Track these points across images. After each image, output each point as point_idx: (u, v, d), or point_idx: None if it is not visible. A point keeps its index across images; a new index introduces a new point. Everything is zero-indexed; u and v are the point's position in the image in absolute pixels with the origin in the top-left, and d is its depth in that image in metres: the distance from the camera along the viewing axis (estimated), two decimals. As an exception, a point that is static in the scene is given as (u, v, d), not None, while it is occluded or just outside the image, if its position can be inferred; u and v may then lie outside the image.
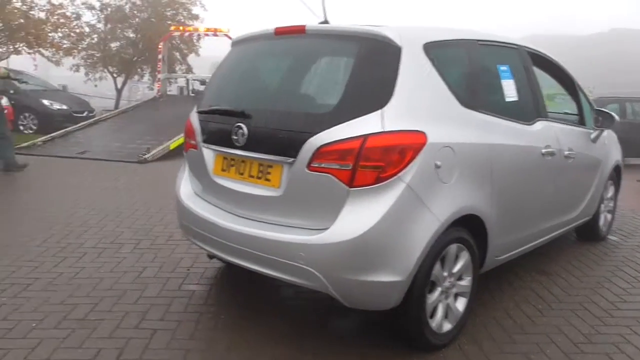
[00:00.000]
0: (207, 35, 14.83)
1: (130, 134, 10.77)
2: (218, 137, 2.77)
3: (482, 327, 2.89)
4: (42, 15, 14.96)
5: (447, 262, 2.56)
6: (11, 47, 14.61)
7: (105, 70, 20.02)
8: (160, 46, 14.87)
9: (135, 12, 19.24)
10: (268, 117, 2.52)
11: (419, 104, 2.40)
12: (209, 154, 2.86)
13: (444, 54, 2.60)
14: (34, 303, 2.98)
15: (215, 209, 2.80)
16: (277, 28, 2.74)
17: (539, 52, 3.56)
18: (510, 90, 3.06)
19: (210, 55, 20.44)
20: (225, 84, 3.04)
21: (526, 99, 3.21)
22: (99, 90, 20.33)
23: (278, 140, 2.45)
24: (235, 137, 2.60)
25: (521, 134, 3.08)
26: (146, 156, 9.15)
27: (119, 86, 20.60)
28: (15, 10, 13.80)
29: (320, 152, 2.28)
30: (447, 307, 2.63)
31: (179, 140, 10.51)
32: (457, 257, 2.62)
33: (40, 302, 2.99)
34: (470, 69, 2.79)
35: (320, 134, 2.29)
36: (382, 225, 2.22)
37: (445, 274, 2.57)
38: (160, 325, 2.78)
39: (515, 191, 3.00)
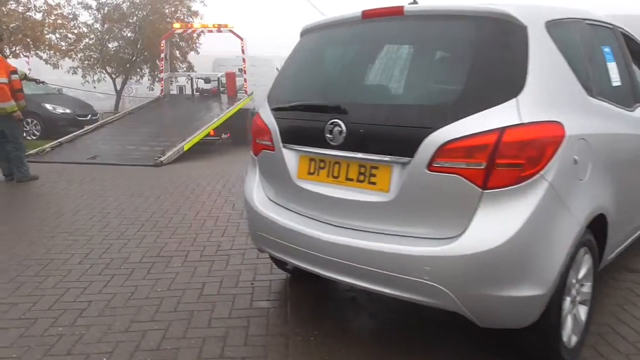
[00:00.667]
0: (211, 32, 14.37)
1: (142, 136, 10.38)
2: (304, 136, 2.44)
3: (600, 337, 2.59)
4: (39, 16, 14.46)
5: (575, 268, 2.26)
6: (7, 50, 14.09)
7: (104, 71, 19.49)
8: (162, 44, 14.41)
9: (133, 10, 18.69)
10: (372, 111, 2.19)
11: (550, 91, 2.08)
12: (290, 155, 2.53)
13: (563, 35, 2.28)
14: (96, 332, 2.64)
15: (301, 217, 2.48)
16: (365, 11, 2.40)
17: (628, 32, 3.25)
18: (614, 74, 2.76)
19: (209, 53, 20.00)
20: (305, 77, 2.69)
21: (626, 83, 2.91)
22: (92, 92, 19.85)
23: (387, 138, 2.13)
24: (329, 136, 2.27)
25: (628, 120, 2.78)
26: (162, 159, 8.78)
27: (118, 87, 20.10)
28: (12, 13, 13.31)
29: (445, 150, 1.96)
30: (573, 318, 2.32)
31: (193, 140, 10.18)
32: (581, 262, 2.32)
33: (104, 331, 2.65)
34: (584, 51, 2.48)
35: (444, 128, 1.96)
36: (524, 233, 1.90)
37: (574, 281, 2.27)
38: (246, 352, 2.45)
39: (629, 184, 2.70)
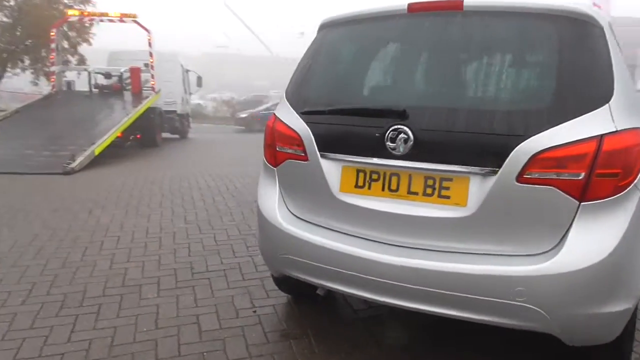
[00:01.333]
0: (112, 21, 13.02)
1: (41, 139, 9.10)
2: (351, 145, 2.13)
3: None
4: None
5: None
6: None
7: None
8: (52, 33, 12.78)
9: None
10: (447, 117, 1.93)
11: (630, 94, 2.00)
12: (330, 166, 2.19)
13: (616, 36, 2.23)
14: None
15: (346, 236, 2.16)
16: (411, 4, 2.14)
17: None
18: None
19: (104, 45, 18.25)
20: (342, 76, 2.35)
21: None
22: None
23: (466, 146, 1.89)
24: (391, 144, 1.98)
25: None
26: (73, 165, 7.74)
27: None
28: None
29: (538, 160, 1.78)
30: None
31: (104, 143, 9.15)
32: None
33: None
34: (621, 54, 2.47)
35: (537, 136, 1.78)
36: (623, 246, 1.79)
37: None
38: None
39: None
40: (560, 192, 1.78)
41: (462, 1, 2.04)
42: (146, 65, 12.91)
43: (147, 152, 11.64)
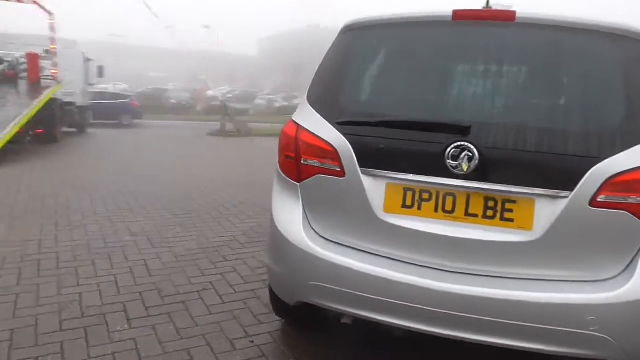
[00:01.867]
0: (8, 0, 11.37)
1: None
2: (400, 161, 1.93)
3: None
4: None
5: None
6: None
7: None
8: None
9: None
10: (517, 135, 1.81)
11: None
12: (373, 184, 1.97)
13: None
14: None
15: (393, 262, 1.96)
16: (457, 11, 2.00)
17: None
18: None
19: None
20: (383, 84, 2.12)
21: None
22: None
23: (536, 167, 1.79)
24: (452, 162, 1.82)
25: None
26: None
27: None
28: None
29: (613, 183, 1.72)
30: None
31: (5, 138, 7.98)
32: None
33: None
34: None
35: (612, 158, 1.72)
36: None
37: None
38: None
39: None
40: (633, 216, 1.74)
41: (515, 13, 1.94)
42: (47, 51, 11.55)
43: (49, 149, 10.37)
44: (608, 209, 1.74)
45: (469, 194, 1.87)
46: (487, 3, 2.18)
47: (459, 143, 1.82)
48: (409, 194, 1.95)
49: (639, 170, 1.72)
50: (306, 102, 2.23)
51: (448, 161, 1.83)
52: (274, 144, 2.55)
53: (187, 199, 5.69)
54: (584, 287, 1.79)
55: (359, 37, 2.21)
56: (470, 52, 2.04)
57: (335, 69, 2.20)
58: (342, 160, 2.01)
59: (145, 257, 3.67)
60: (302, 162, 2.12)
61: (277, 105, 35.20)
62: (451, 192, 1.89)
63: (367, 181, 1.98)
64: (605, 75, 1.90)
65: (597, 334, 1.74)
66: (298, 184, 2.15)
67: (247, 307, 2.93)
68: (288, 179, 2.20)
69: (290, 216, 2.17)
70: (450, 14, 2.01)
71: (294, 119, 2.24)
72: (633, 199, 1.73)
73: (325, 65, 2.25)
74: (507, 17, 1.96)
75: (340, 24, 2.31)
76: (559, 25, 1.94)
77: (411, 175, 1.92)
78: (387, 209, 1.97)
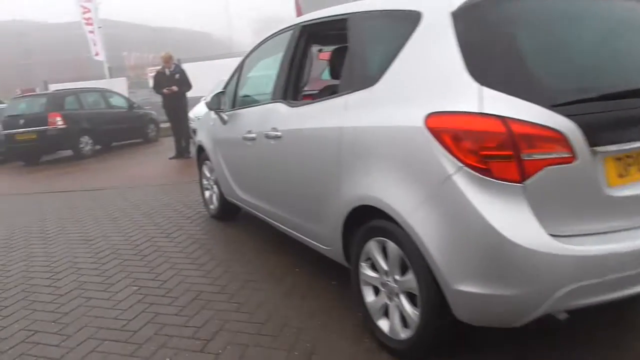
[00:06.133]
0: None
1: None
2: (618, 132, 1.92)
3: None
4: None
5: None
6: None
7: None
8: None
9: None
10: None
11: None
12: (597, 161, 1.91)
13: None
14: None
15: (629, 232, 1.93)
16: None
17: None
18: None
19: None
20: (579, 53, 2.02)
21: None
22: None
23: None
24: None
25: None
26: None
27: None
28: None
29: None
30: None
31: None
32: None
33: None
34: None
35: None
36: None
37: None
38: None
39: None
40: None
41: None
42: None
43: None
44: None
45: None
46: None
47: None
48: (619, 163, 1.95)
49: None
50: (489, 88, 1.89)
51: None
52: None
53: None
54: None
55: (511, 4, 2.00)
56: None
57: (505, 41, 1.99)
58: (573, 144, 1.85)
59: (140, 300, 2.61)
60: (523, 157, 1.85)
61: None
62: None
63: (594, 160, 1.90)
64: None
65: None
66: (522, 185, 1.88)
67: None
68: (503, 182, 1.88)
69: (519, 222, 1.89)
70: None
71: (491, 112, 1.88)
72: None
73: (490, 38, 1.95)
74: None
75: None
76: None
77: (619, 144, 1.91)
78: (611, 183, 1.95)
